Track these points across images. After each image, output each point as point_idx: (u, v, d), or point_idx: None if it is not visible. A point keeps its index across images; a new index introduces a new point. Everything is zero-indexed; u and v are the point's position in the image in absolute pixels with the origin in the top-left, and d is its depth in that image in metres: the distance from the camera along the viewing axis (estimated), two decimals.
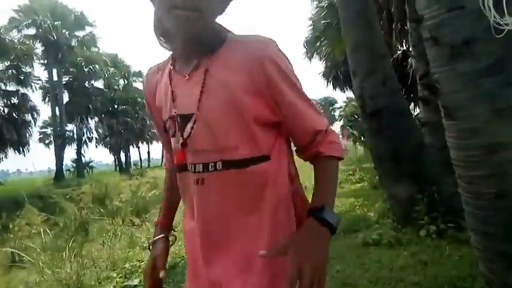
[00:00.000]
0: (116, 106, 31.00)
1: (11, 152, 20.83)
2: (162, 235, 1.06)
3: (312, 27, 14.09)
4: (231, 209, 0.89)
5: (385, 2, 7.52)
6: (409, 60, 8.80)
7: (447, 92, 1.94)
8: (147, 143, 41.08)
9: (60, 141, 25.25)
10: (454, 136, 1.98)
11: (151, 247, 1.06)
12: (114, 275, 4.36)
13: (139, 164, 49.15)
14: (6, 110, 19.68)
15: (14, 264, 9.34)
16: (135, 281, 3.88)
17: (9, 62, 19.70)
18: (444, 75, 1.92)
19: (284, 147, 0.95)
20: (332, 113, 72.06)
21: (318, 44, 12.55)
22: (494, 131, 1.78)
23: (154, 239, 1.06)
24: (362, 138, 14.02)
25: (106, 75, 28.69)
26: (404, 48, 10.42)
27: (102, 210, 13.47)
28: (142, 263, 4.49)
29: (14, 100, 19.79)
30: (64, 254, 4.90)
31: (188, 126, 0.87)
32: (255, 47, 0.85)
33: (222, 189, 0.88)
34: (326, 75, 23.87)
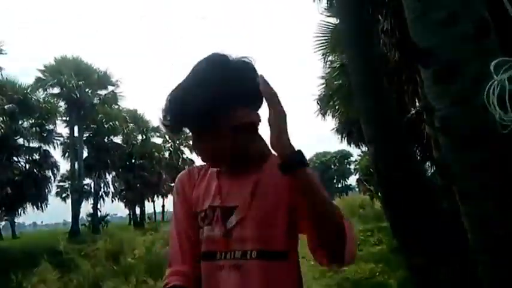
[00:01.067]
0: (133, 160, 31.58)
1: (29, 206, 21.21)
2: None
3: (324, 85, 14.46)
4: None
5: (395, 69, 7.78)
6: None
7: (460, 177, 2.02)
8: (162, 197, 41.19)
9: (77, 196, 25.55)
10: (470, 220, 2.03)
11: None
12: None
13: (153, 217, 49.03)
14: (27, 166, 20.25)
15: None
16: None
17: (33, 120, 20.58)
18: (458, 162, 2.01)
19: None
20: (347, 166, 71.81)
21: (331, 103, 12.83)
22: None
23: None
24: (379, 194, 13.87)
25: (125, 131, 29.59)
26: (418, 107, 10.61)
27: (115, 267, 13.39)
28: None
29: (36, 156, 20.42)
30: None
31: (233, 218, 0.99)
32: None
33: (256, 276, 0.96)
34: (340, 131, 24.11)
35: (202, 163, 1.11)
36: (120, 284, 9.86)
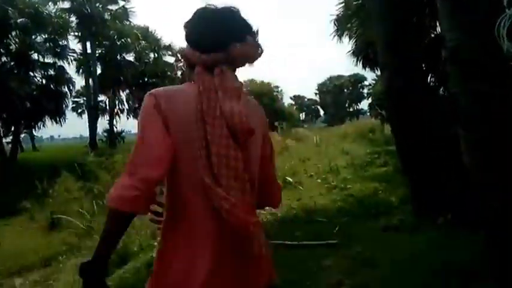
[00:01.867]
0: (146, 79, 31.62)
1: (47, 120, 21.95)
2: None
3: (343, 5, 13.89)
4: None
5: None
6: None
7: (464, 105, 2.20)
8: None
9: (93, 112, 26.16)
10: (469, 147, 2.25)
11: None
12: (155, 243, 4.86)
13: None
14: (44, 82, 20.54)
15: (53, 226, 10.17)
16: None
17: (46, 35, 20.41)
18: (462, 91, 2.17)
19: None
20: (361, 90, 70.97)
21: (349, 24, 12.44)
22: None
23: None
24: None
25: (137, 48, 29.22)
26: (438, 30, 10.27)
27: None
28: None
29: (51, 72, 20.59)
30: None
31: None
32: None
33: None
34: (356, 53, 23.45)
35: None
36: None
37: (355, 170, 8.77)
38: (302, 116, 77.85)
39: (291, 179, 8.00)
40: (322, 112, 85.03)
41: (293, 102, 72.33)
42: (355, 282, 3.18)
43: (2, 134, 19.97)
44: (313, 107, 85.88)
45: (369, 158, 9.85)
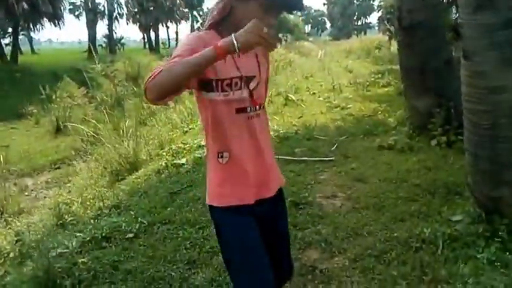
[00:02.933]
0: None
1: (46, 23, 21.28)
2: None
3: None
4: (267, 131, 1.48)
5: None
6: None
7: (468, 37, 2.24)
8: (176, 23, 40.38)
9: (92, 15, 25.22)
10: (467, 75, 2.34)
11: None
12: (164, 153, 5.16)
13: (167, 43, 48.99)
14: None
15: (59, 131, 10.52)
16: (183, 160, 4.65)
17: None
18: (468, 23, 2.21)
19: None
20: (371, 2, 67.40)
21: None
22: (499, 76, 2.15)
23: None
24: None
25: None
26: None
27: (135, 88, 14.31)
28: (186, 145, 5.26)
29: None
30: (121, 132, 5.65)
31: (252, 83, 1.37)
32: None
33: (264, 120, 1.45)
34: None
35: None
36: (141, 103, 10.79)
37: (357, 89, 8.82)
38: (308, 28, 74.87)
39: (293, 97, 8.11)
40: (329, 25, 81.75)
41: (299, 13, 69.16)
42: (347, 195, 3.49)
43: None
44: (319, 19, 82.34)
45: (372, 77, 9.83)
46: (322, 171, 4.18)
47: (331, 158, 4.53)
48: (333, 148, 4.91)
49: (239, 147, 1.36)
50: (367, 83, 9.16)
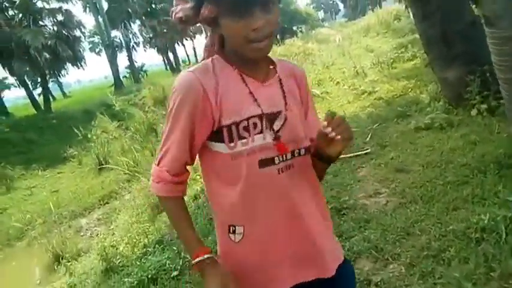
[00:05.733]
0: (153, 6, 30.53)
1: (70, 66, 22.18)
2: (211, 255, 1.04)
3: None
4: (308, 187, 1.10)
5: None
6: None
7: (488, 1, 2.02)
8: (191, 39, 40.88)
9: (110, 50, 26.03)
10: (493, 43, 2.12)
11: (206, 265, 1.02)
12: (198, 177, 5.13)
13: (187, 60, 49.72)
14: (55, 29, 20.34)
15: (102, 167, 10.84)
16: None
17: None
18: None
19: None
20: None
21: None
22: None
23: (206, 257, 1.02)
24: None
25: None
26: None
27: (164, 112, 14.57)
28: None
29: (60, 17, 20.25)
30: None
31: (278, 123, 1.03)
32: (298, 69, 1.17)
33: (304, 172, 1.08)
34: None
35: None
36: None
37: (381, 69, 8.44)
38: (321, 14, 73.65)
39: (317, 91, 7.89)
40: (341, 6, 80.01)
41: (309, 1, 68.11)
42: (391, 190, 3.28)
43: (31, 88, 20.50)
44: (331, 2, 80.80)
45: (395, 52, 9.39)
46: (360, 167, 3.98)
47: (367, 151, 4.32)
48: (367, 139, 4.69)
49: (262, 217, 1.03)
50: (391, 60, 8.74)
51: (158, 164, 1.07)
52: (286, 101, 1.06)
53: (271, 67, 1.10)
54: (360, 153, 4.30)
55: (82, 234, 6.44)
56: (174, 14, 1.06)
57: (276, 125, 1.03)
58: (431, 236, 2.47)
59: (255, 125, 1.00)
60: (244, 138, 0.99)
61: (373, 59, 9.35)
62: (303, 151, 1.08)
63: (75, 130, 12.44)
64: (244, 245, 1.05)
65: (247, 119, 1.00)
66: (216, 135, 1.01)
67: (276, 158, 1.02)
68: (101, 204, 7.72)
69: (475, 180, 2.97)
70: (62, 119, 18.38)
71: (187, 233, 1.07)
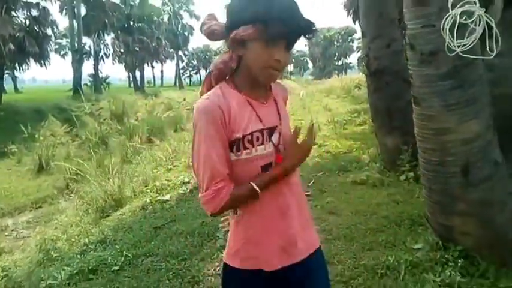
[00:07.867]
0: (131, 23, 30.84)
1: (31, 62, 21.62)
2: None
3: None
4: (299, 187, 1.38)
5: None
6: None
7: (416, 85, 2.62)
8: (161, 63, 41.33)
9: (77, 55, 25.66)
10: (417, 118, 2.70)
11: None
12: (148, 190, 5.35)
13: (152, 82, 49.73)
14: (27, 22, 20.01)
15: (42, 170, 10.47)
16: (167, 196, 4.85)
17: None
18: (416, 73, 2.58)
19: None
20: (350, 43, 70.35)
21: None
22: (443, 119, 2.50)
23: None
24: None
25: None
26: None
27: (120, 127, 14.47)
28: (170, 182, 5.46)
29: (35, 13, 20.01)
30: (106, 169, 5.83)
31: (275, 135, 1.29)
32: (284, 88, 1.48)
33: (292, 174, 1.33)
34: (347, 6, 23.28)
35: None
36: (125, 141, 10.91)
37: (334, 128, 9.25)
38: (290, 67, 77.11)
39: None
40: (310, 64, 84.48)
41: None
42: (321, 228, 3.73)
43: None
44: (301, 58, 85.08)
45: (349, 116, 10.32)
46: None
47: (308, 193, 4.79)
48: (310, 183, 5.19)
49: (260, 205, 1.26)
50: (344, 122, 9.61)
51: (209, 184, 1.21)
52: (280, 117, 1.33)
53: (270, 89, 1.37)
54: None
55: (7, 234, 6.16)
56: (207, 26, 1.27)
57: (275, 138, 1.29)
58: (345, 266, 2.91)
59: (257, 138, 1.25)
60: (248, 148, 1.24)
61: (329, 117, 10.19)
62: None
63: (22, 127, 11.94)
64: (246, 224, 1.30)
65: (251, 134, 1.24)
66: (232, 146, 1.24)
67: (273, 163, 1.28)
68: (32, 207, 7.39)
69: (390, 230, 3.50)
70: (10, 112, 17.61)
71: (263, 179, 1.24)
